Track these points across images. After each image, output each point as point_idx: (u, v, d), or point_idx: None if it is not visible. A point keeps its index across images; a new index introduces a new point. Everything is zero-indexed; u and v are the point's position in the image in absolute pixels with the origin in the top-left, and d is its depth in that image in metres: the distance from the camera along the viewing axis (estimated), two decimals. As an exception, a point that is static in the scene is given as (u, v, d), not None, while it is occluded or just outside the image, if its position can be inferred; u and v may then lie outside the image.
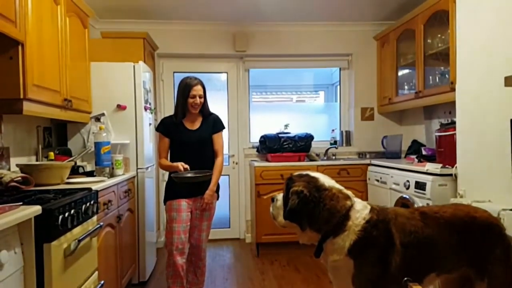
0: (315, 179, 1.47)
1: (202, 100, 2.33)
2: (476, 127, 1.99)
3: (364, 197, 3.37)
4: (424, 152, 3.05)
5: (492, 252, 1.48)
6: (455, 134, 2.21)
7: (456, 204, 1.67)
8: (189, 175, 2.23)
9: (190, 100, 2.29)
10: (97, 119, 2.73)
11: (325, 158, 3.87)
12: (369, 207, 1.44)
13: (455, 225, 1.46)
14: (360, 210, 1.42)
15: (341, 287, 1.48)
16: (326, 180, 1.48)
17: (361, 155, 3.91)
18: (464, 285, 1.58)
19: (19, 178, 1.78)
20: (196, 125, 2.39)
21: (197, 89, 2.29)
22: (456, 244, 1.46)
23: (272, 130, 3.81)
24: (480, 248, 1.48)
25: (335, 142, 3.94)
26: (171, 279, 2.26)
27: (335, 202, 1.41)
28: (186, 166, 2.23)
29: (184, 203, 2.29)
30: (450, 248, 1.45)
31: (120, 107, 2.77)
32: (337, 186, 1.49)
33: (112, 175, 2.49)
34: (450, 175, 2.26)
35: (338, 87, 4.18)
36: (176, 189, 2.28)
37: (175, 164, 2.25)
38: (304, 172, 1.52)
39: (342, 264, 1.40)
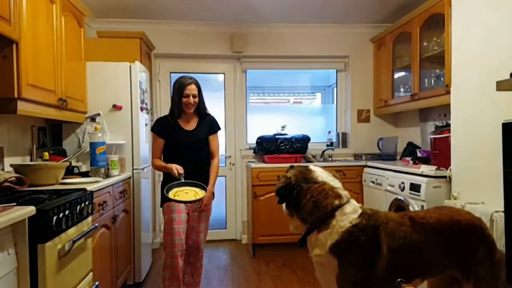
0: (309, 171, 1.51)
1: (197, 99, 2.31)
2: (470, 130, 2.01)
3: (360, 199, 3.38)
4: (419, 154, 3.07)
5: (477, 253, 1.51)
6: (449, 136, 2.23)
7: (439, 208, 1.70)
8: (182, 187, 2.16)
9: (184, 100, 2.28)
10: (93, 119, 2.72)
11: (321, 159, 3.88)
12: (359, 211, 1.45)
13: (441, 230, 1.48)
14: (349, 213, 1.43)
15: (325, 284, 1.50)
16: (322, 175, 1.50)
17: (357, 156, 3.92)
18: (452, 284, 1.60)
19: (13, 179, 1.76)
20: (192, 125, 2.38)
21: (191, 88, 2.27)
22: (443, 249, 1.48)
23: (269, 131, 3.82)
24: (465, 249, 1.50)
25: (332, 144, 3.96)
26: (168, 281, 2.23)
27: (322, 198, 1.43)
28: (181, 170, 2.20)
29: (182, 205, 2.27)
30: (436, 253, 1.47)
31: (116, 107, 2.75)
32: (333, 183, 1.49)
33: (107, 175, 2.47)
34: (445, 177, 2.27)
35: (335, 89, 4.20)
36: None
37: (169, 165, 2.23)
38: (306, 165, 1.59)
39: (325, 261, 1.42)
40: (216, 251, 3.67)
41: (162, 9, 3.40)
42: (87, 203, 1.78)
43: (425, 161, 2.83)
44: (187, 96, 2.28)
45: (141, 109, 2.87)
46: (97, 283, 1.86)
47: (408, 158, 3.15)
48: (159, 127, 2.37)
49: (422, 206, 2.32)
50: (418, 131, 3.57)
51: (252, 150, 3.88)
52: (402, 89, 3.46)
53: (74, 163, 2.54)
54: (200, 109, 2.38)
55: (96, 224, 1.89)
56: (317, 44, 3.91)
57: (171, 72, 3.90)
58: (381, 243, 1.40)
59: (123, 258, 2.54)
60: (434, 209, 1.67)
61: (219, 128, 2.46)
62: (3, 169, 2.05)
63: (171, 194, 2.12)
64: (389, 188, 2.84)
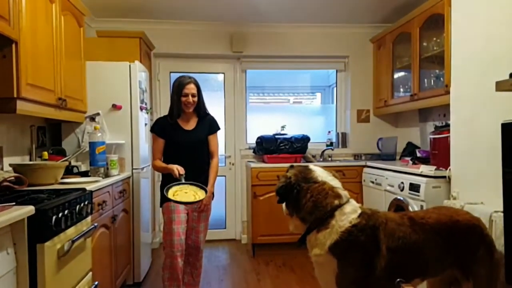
0: (309, 171, 1.51)
1: (196, 99, 2.31)
2: (469, 130, 2.01)
3: (359, 199, 3.38)
4: (418, 154, 3.07)
5: (476, 253, 1.51)
6: (449, 136, 2.23)
7: (439, 208, 1.70)
8: (181, 186, 2.15)
9: (183, 99, 2.28)
10: (92, 118, 2.72)
11: (321, 159, 3.88)
12: (359, 211, 1.45)
13: (440, 230, 1.49)
14: (348, 213, 1.43)
15: (324, 284, 1.50)
16: (322, 175, 1.50)
17: (357, 156, 3.92)
18: (452, 284, 1.61)
19: (12, 178, 1.76)
20: (192, 125, 2.38)
21: (190, 88, 2.28)
22: (442, 249, 1.48)
23: (269, 131, 3.82)
24: (464, 249, 1.51)
25: (331, 144, 3.96)
26: (167, 281, 2.23)
27: (322, 197, 1.43)
28: (182, 171, 2.20)
29: (181, 205, 2.26)
30: (436, 253, 1.48)
31: (116, 107, 2.75)
32: (332, 183, 1.50)
33: (107, 175, 2.47)
34: (444, 177, 2.27)
35: (335, 89, 4.20)
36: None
37: (170, 166, 2.23)
38: (305, 164, 1.60)
39: (324, 260, 1.42)
40: (215, 251, 3.67)
41: (162, 9, 3.40)
42: (86, 202, 1.78)
43: (425, 161, 2.83)
44: (186, 95, 2.28)
45: (141, 109, 2.87)
46: (96, 283, 1.86)
47: (408, 158, 3.15)
48: (159, 127, 2.36)
49: (422, 206, 2.32)
50: (418, 131, 3.57)
51: (252, 150, 3.88)
52: (401, 89, 3.46)
53: (73, 163, 2.54)
54: (200, 109, 2.38)
55: (96, 224, 1.89)
56: (317, 44, 3.91)
57: (171, 72, 3.90)
58: (381, 243, 1.40)
59: (122, 258, 2.54)
60: (433, 209, 1.67)
61: (218, 128, 2.46)
62: (2, 169, 2.05)
63: (170, 194, 2.11)
64: (388, 188, 2.84)
